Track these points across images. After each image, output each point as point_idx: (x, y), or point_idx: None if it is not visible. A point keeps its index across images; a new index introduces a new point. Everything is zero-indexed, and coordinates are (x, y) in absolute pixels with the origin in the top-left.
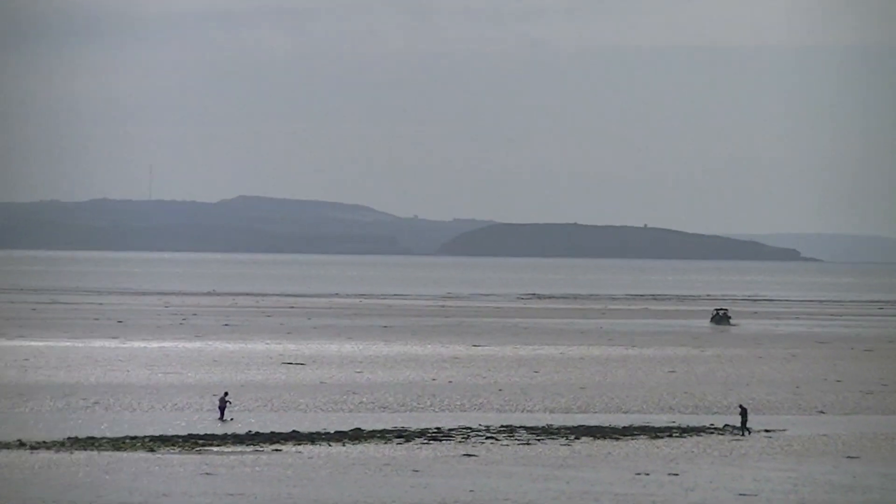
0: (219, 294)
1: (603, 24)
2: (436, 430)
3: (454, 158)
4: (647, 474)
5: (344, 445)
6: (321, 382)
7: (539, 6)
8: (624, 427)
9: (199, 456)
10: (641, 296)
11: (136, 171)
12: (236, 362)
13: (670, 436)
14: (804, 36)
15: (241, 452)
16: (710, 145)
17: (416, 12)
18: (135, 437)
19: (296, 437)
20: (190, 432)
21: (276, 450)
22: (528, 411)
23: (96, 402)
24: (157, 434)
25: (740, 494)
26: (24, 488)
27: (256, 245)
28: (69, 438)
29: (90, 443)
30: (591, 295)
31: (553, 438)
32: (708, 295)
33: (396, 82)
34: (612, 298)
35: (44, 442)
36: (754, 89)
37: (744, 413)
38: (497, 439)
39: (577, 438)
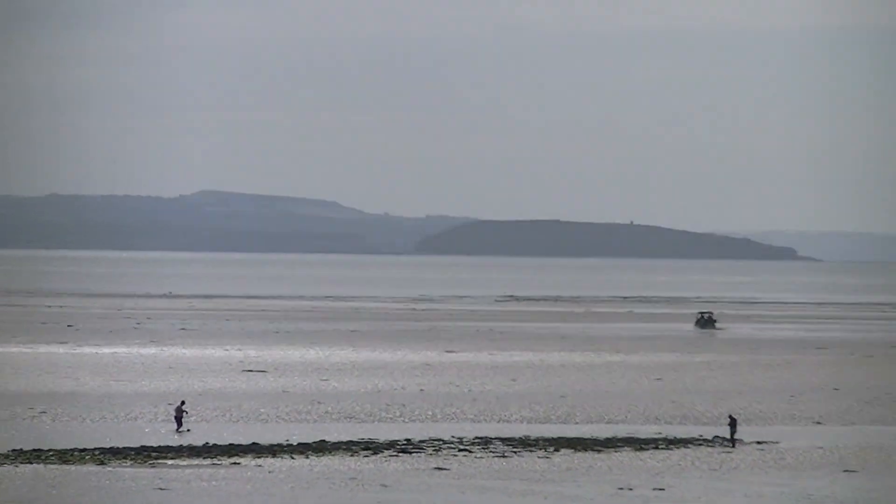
0: (176, 296)
1: (588, 7)
2: (406, 442)
3: (427, 151)
4: (631, 489)
5: (308, 458)
6: (284, 391)
7: None
8: (607, 438)
9: (152, 469)
10: (627, 298)
11: (92, 165)
12: (193, 369)
13: (656, 448)
14: (804, 18)
15: (198, 466)
16: (700, 137)
17: None
18: (84, 450)
19: (256, 450)
20: (143, 444)
21: (235, 463)
22: (504, 421)
23: (43, 412)
24: (107, 446)
25: None
26: None
27: (217, 243)
28: (13, 451)
29: (36, 455)
30: (573, 297)
31: (531, 451)
32: (698, 297)
33: (366, 69)
34: (596, 300)
35: None
36: (748, 77)
37: (733, 424)
38: (471, 452)
39: (556, 451)
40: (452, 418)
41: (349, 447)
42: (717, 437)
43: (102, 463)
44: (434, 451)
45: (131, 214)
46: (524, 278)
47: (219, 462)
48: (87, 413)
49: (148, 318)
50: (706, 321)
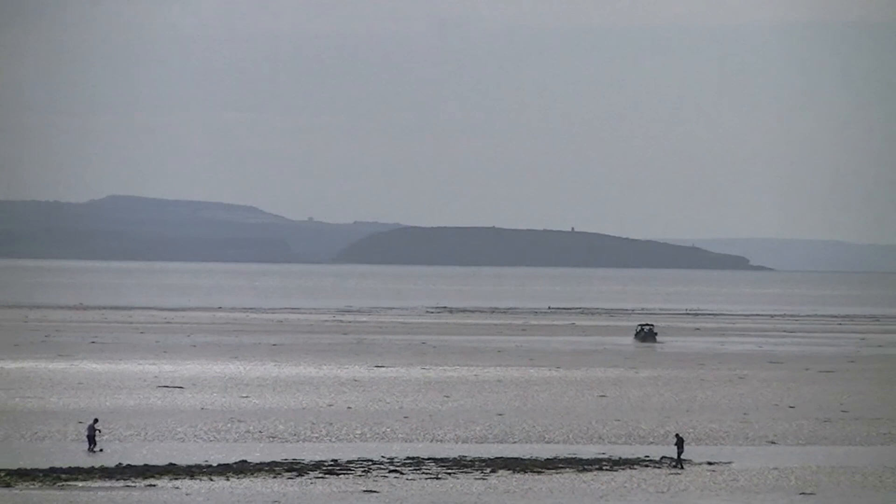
0: (86, 307)
1: (535, 3)
2: (332, 463)
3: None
4: None
5: (228, 480)
6: (202, 408)
7: None
8: (547, 459)
9: (62, 492)
10: (567, 309)
11: None
12: (106, 385)
13: (600, 469)
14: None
15: (111, 488)
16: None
17: None
18: None
19: (173, 471)
20: (52, 465)
21: (151, 485)
22: (437, 441)
23: None
24: (14, 467)
25: None
26: None
27: (129, 251)
28: None
29: None
30: (511, 308)
31: (466, 472)
32: (643, 308)
33: (288, 65)
34: (535, 312)
35: None
36: (697, 75)
37: (680, 443)
38: (402, 473)
39: (493, 472)
40: (382, 437)
41: (272, 468)
42: (665, 457)
43: (9, 485)
44: (363, 472)
45: (35, 220)
46: (458, 288)
47: (133, 484)
48: None
49: (57, 331)
50: (646, 334)
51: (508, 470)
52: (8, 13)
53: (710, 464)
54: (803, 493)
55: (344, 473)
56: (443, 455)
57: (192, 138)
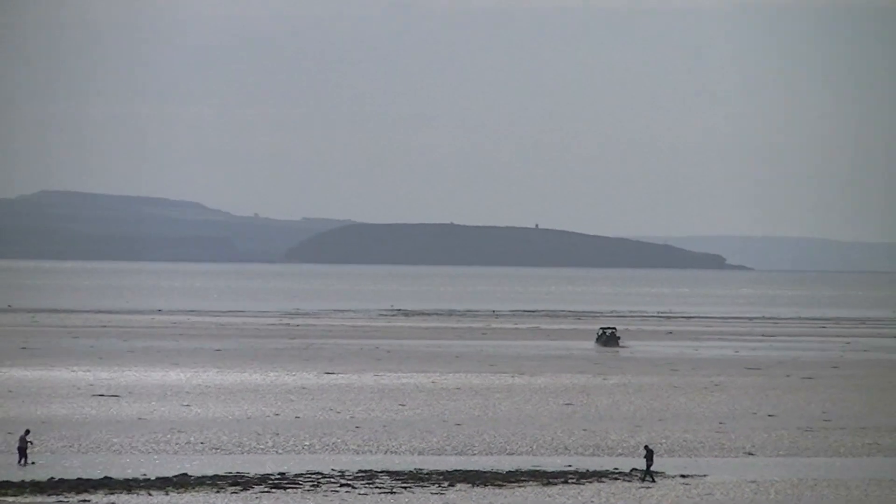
0: (16, 310)
1: None
2: (279, 477)
3: (303, 146)
4: None
5: (167, 494)
6: (140, 418)
7: None
8: (509, 472)
9: None
10: (531, 312)
11: None
12: (37, 393)
13: (566, 482)
14: None
15: (42, 503)
16: (615, 130)
17: None
18: None
19: (109, 485)
20: None
21: (85, 500)
22: (391, 453)
23: None
24: None
25: None
26: None
27: (62, 249)
28: None
29: None
30: (470, 311)
31: (422, 486)
32: (612, 311)
33: (231, 55)
34: (496, 315)
35: None
36: (668, 60)
37: (649, 455)
38: (354, 487)
39: (451, 485)
40: (333, 449)
41: (214, 482)
42: (635, 469)
43: None
44: (312, 486)
45: None
46: (413, 289)
47: (66, 499)
48: None
49: None
50: (608, 338)
51: (468, 483)
52: None
53: (683, 477)
54: None
55: (291, 487)
56: (397, 468)
57: (131, 131)
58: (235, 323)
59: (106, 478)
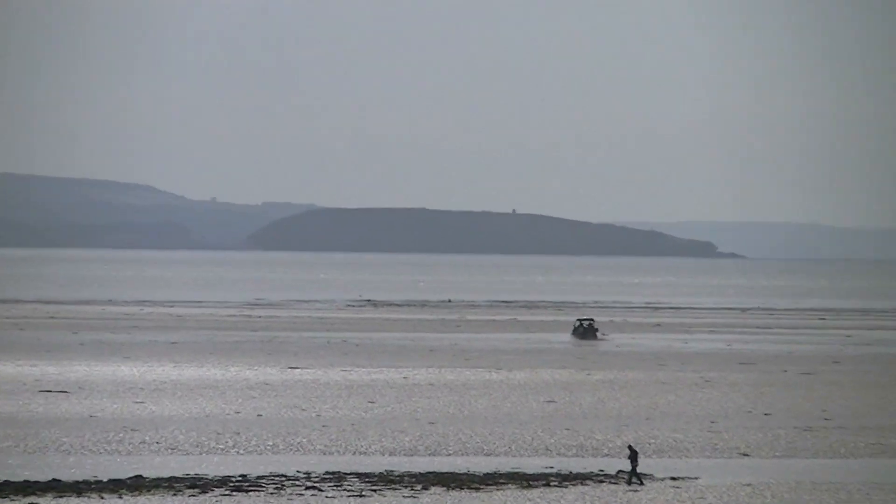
0: None
1: None
2: (240, 479)
3: (263, 127)
4: None
5: (121, 497)
6: (90, 416)
7: None
8: (486, 474)
9: None
10: (509, 302)
11: None
12: None
13: (547, 485)
14: None
15: None
16: (597, 109)
17: None
18: None
19: (57, 488)
20: None
21: (32, 503)
22: (360, 453)
23: None
24: None
25: None
26: None
27: (5, 236)
28: None
29: None
30: (444, 301)
31: (394, 488)
32: (596, 301)
33: (186, 29)
34: (471, 306)
35: None
36: (653, 38)
37: (634, 456)
38: (320, 490)
39: (424, 489)
40: (297, 449)
41: (171, 484)
42: (621, 471)
43: None
44: (275, 489)
45: None
46: (383, 278)
47: (12, 502)
48: None
49: None
50: (586, 330)
51: (442, 486)
52: None
53: (673, 479)
54: None
55: (254, 490)
56: (367, 469)
57: (78, 110)
58: (193, 314)
59: (54, 480)
